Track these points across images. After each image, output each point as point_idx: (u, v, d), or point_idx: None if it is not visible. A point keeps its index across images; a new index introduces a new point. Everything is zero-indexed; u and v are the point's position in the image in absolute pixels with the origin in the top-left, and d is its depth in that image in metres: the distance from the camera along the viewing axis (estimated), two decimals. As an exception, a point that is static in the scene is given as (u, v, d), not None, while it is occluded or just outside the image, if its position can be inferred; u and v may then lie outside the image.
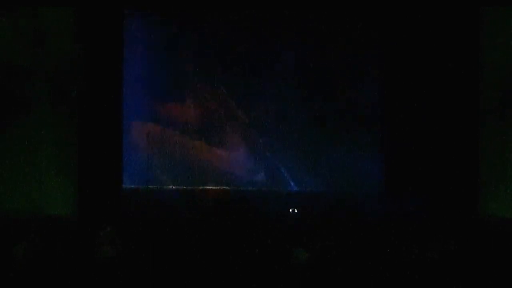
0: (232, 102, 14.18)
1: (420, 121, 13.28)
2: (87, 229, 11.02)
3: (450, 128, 12.94)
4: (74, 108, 12.74)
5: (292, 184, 14.11)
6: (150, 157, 14.06)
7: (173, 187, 14.03)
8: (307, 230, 11.46)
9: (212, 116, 14.19)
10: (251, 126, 14.24)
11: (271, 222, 12.19)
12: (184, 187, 14.02)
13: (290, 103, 14.10)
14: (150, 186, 13.98)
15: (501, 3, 12.55)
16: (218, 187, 14.02)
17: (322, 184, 14.09)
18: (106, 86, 12.87)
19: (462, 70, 12.83)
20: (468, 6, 12.73)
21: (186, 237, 10.85)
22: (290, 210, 13.17)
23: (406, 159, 13.43)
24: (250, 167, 14.23)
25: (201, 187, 14.01)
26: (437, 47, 13.02)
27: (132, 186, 13.81)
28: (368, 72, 14.07)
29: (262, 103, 14.17)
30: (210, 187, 14.03)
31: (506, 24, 12.64)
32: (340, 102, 14.08)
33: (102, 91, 12.82)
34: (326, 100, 14.07)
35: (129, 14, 13.53)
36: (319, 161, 14.11)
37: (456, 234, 10.73)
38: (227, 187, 14.03)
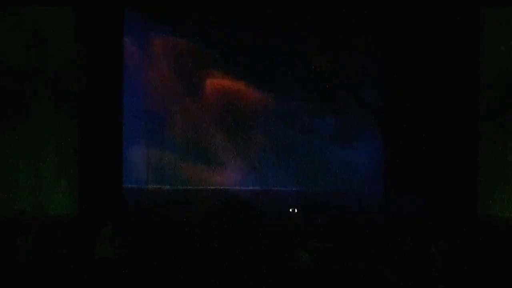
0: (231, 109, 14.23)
1: (420, 122, 13.28)
2: (87, 229, 11.03)
3: (450, 129, 12.94)
4: (74, 109, 12.75)
5: (293, 184, 14.13)
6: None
7: (173, 187, 14.02)
8: (307, 230, 11.47)
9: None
10: (250, 128, 14.26)
11: (271, 221, 12.20)
12: (184, 187, 14.02)
13: (290, 103, 14.10)
14: (150, 186, 13.98)
15: (502, 3, 12.57)
16: (218, 187, 14.02)
17: (321, 184, 14.09)
18: (106, 86, 12.86)
19: (462, 71, 12.83)
20: (469, 7, 12.73)
21: (186, 236, 10.86)
22: (290, 210, 13.17)
23: (406, 159, 13.43)
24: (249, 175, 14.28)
25: (201, 187, 14.01)
26: (437, 48, 13.02)
27: (132, 186, 13.81)
28: (368, 73, 14.07)
29: (263, 105, 14.19)
30: (210, 187, 14.03)
31: (506, 25, 12.65)
32: (340, 103, 14.08)
33: (102, 91, 12.81)
34: (327, 101, 14.07)
35: (129, 14, 13.54)
36: (319, 161, 14.12)
37: (456, 234, 10.75)
38: (227, 187, 14.03)
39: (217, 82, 14.18)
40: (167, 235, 11.00)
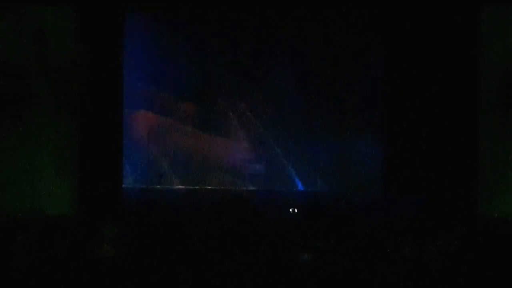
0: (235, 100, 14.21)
1: (420, 121, 13.28)
2: (87, 229, 11.02)
3: (450, 128, 12.94)
4: (74, 108, 12.75)
5: (293, 184, 14.13)
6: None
7: (173, 187, 14.03)
8: (307, 230, 11.46)
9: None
10: (251, 127, 14.26)
11: (271, 222, 12.18)
12: (184, 187, 14.03)
13: (290, 104, 14.11)
14: (150, 186, 13.98)
15: (502, 3, 12.56)
16: (218, 187, 14.03)
17: (322, 184, 14.10)
18: (106, 86, 12.87)
19: (462, 71, 12.82)
20: (469, 7, 12.73)
21: (186, 237, 10.85)
22: (290, 210, 13.18)
23: (405, 159, 13.43)
24: (249, 162, 14.24)
25: (201, 187, 14.02)
26: (437, 47, 13.02)
27: (132, 186, 13.82)
28: (368, 73, 14.07)
29: (261, 103, 14.18)
30: (210, 187, 14.04)
31: (506, 24, 12.64)
32: (339, 102, 14.09)
33: (102, 91, 12.82)
34: (326, 100, 14.08)
35: (129, 13, 13.53)
36: (319, 161, 14.12)
37: (456, 234, 10.73)
38: (227, 187, 14.04)
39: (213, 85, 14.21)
40: (167, 235, 10.99)
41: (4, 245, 9.92)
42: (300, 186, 14.09)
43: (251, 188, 14.11)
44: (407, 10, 13.18)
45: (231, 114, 14.21)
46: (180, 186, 14.04)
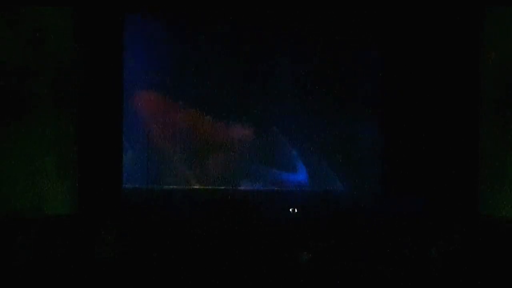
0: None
1: (420, 121, 13.28)
2: (87, 229, 11.02)
3: (450, 128, 12.94)
4: (74, 108, 12.74)
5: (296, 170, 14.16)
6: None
7: (173, 187, 14.03)
8: (308, 230, 11.46)
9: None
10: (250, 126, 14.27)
11: (271, 221, 12.20)
12: (184, 187, 14.03)
13: (289, 104, 14.11)
14: (150, 186, 13.98)
15: (502, 3, 12.56)
16: (218, 187, 14.02)
17: (321, 184, 14.10)
18: (106, 86, 12.87)
19: (462, 71, 12.82)
20: (469, 7, 12.72)
21: (186, 237, 10.86)
22: (290, 210, 13.17)
23: (405, 158, 13.42)
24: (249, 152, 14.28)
25: (201, 187, 14.02)
26: (438, 47, 13.02)
27: (132, 186, 13.82)
28: (368, 72, 14.06)
29: (260, 104, 14.19)
30: (210, 187, 14.03)
31: (507, 24, 12.64)
32: (339, 102, 14.08)
33: (102, 91, 12.82)
34: (325, 100, 14.07)
35: (130, 13, 13.53)
36: (317, 160, 14.11)
37: (456, 234, 10.73)
38: (227, 187, 14.03)
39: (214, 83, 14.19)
40: (167, 235, 11.00)
41: (4, 245, 9.93)
42: (299, 186, 14.11)
43: (251, 188, 14.11)
44: (408, 10, 13.17)
45: (231, 113, 14.22)
46: (180, 186, 14.04)
